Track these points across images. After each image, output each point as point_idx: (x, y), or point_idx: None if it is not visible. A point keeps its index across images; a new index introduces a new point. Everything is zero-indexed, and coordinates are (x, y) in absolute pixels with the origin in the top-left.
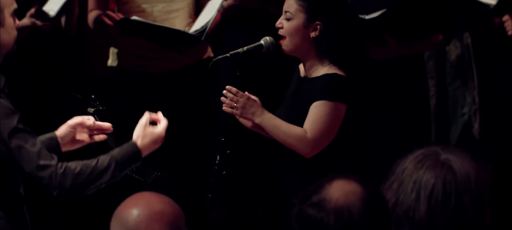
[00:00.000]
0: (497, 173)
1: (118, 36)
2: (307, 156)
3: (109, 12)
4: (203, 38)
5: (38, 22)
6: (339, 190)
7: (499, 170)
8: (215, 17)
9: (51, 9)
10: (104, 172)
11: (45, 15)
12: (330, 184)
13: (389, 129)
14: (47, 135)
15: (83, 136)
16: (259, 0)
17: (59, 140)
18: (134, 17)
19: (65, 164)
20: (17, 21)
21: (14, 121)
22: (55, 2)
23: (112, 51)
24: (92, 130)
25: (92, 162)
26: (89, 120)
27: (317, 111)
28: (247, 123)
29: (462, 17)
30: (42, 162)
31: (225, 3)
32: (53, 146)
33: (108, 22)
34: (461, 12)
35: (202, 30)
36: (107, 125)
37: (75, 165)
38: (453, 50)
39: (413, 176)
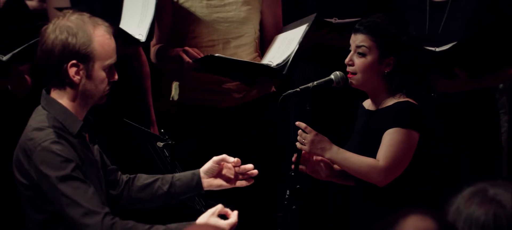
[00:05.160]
0: None
1: (190, 71)
2: (380, 185)
3: (188, 48)
4: (285, 71)
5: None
6: (413, 227)
7: None
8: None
9: (140, 33)
10: None
11: (135, 40)
12: (404, 220)
13: (459, 165)
14: (192, 171)
15: (226, 176)
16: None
17: (202, 174)
18: (218, 54)
19: (117, 217)
20: (114, 77)
21: (67, 169)
22: (143, 26)
23: (175, 85)
24: (235, 172)
25: (146, 225)
26: (230, 158)
27: (389, 138)
28: (320, 175)
29: None
30: (90, 209)
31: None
32: (194, 182)
33: (187, 58)
34: None
35: (284, 63)
36: (250, 166)
37: (127, 221)
38: None
39: (463, 214)
